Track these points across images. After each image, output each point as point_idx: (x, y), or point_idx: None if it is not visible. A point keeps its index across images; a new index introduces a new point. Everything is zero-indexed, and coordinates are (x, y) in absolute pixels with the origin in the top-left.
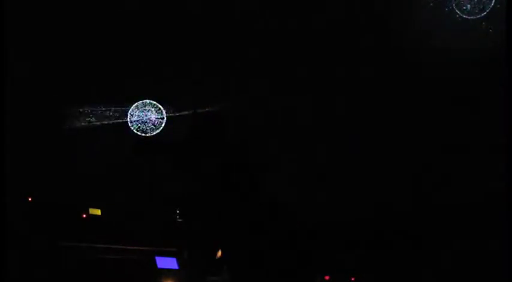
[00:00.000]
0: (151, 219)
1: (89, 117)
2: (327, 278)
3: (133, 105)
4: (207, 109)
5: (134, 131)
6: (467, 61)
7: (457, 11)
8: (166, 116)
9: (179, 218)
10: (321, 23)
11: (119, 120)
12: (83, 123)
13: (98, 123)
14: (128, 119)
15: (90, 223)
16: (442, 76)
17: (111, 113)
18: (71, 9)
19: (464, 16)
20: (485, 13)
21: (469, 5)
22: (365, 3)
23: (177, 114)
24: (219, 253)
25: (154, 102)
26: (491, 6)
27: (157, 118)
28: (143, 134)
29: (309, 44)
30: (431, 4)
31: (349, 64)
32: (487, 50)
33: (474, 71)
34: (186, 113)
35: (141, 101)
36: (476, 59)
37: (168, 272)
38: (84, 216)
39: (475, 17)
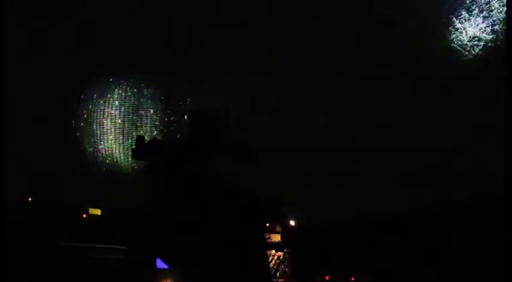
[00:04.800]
0: (151, 219)
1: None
2: (327, 278)
3: (133, 106)
4: (206, 109)
5: (134, 131)
6: (467, 61)
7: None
8: (166, 117)
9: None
10: (322, 23)
11: (119, 121)
12: (83, 124)
13: (99, 123)
14: (128, 120)
15: (90, 223)
16: (442, 76)
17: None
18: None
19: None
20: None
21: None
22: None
23: (177, 115)
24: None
25: (155, 103)
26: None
27: (157, 118)
28: (143, 135)
29: (309, 44)
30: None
31: (350, 63)
32: (486, 49)
33: (473, 71)
34: (186, 113)
35: (141, 101)
36: (475, 59)
37: (167, 271)
38: (84, 216)
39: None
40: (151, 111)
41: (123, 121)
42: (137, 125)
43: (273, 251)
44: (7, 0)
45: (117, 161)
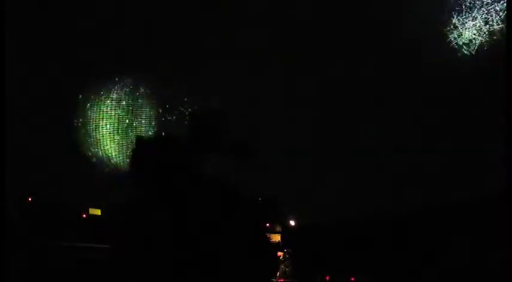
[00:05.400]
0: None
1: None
2: (327, 278)
3: (132, 106)
4: (206, 109)
5: (132, 132)
6: (467, 61)
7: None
8: (165, 116)
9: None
10: (320, 23)
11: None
12: (83, 124)
13: (98, 124)
14: (128, 120)
15: (90, 223)
16: (442, 76)
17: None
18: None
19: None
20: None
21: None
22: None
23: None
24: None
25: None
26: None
27: (157, 118)
28: (143, 134)
29: (308, 44)
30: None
31: (349, 63)
32: (487, 50)
33: (474, 72)
34: (186, 112)
35: (140, 102)
36: (476, 59)
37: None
38: (84, 216)
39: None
40: (149, 111)
41: (123, 121)
42: (136, 125)
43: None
44: (7, 0)
45: (117, 161)
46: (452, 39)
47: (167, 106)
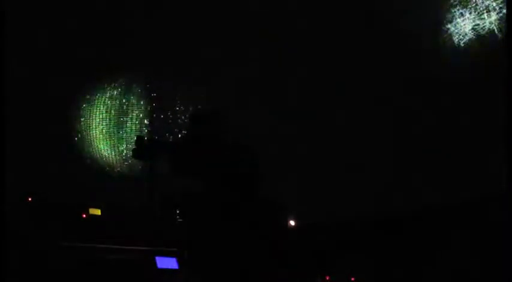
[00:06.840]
0: (151, 220)
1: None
2: (327, 278)
3: (132, 105)
4: (206, 109)
5: (133, 132)
6: (466, 61)
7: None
8: (161, 116)
9: (179, 218)
10: (321, 23)
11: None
12: (82, 124)
13: (98, 124)
14: (127, 119)
15: (90, 223)
16: (441, 75)
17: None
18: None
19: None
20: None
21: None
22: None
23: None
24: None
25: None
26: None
27: (156, 117)
28: (139, 134)
29: (308, 45)
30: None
31: (348, 64)
32: (486, 49)
33: (474, 71)
34: (186, 112)
35: (136, 101)
36: (475, 58)
37: (168, 272)
38: (84, 216)
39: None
40: (144, 111)
41: (119, 121)
42: (131, 125)
43: None
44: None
45: (116, 162)
46: (449, 34)
47: (162, 106)
